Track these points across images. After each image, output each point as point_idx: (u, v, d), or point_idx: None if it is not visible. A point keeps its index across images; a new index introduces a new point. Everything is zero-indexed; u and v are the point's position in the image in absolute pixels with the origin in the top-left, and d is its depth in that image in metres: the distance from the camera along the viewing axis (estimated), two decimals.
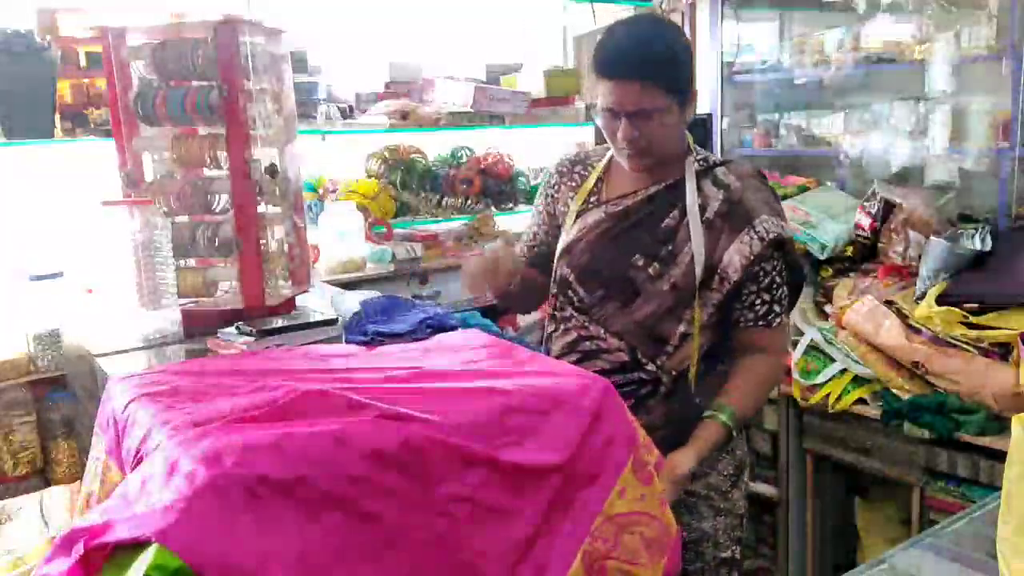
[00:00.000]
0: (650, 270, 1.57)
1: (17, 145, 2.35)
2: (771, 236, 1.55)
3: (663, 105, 1.50)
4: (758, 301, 1.58)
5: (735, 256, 1.54)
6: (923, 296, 2.34)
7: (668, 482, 1.35)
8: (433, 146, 3.44)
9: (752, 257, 1.54)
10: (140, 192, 1.88)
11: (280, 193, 1.91)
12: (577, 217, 1.67)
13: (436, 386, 1.20)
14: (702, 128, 3.39)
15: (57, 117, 2.42)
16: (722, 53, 3.45)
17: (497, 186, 3.42)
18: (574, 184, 1.72)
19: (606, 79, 1.51)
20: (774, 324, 1.59)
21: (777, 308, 1.59)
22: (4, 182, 2.54)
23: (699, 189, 1.59)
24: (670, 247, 1.57)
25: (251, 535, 0.92)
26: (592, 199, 1.68)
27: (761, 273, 1.56)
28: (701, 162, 1.63)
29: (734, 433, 1.53)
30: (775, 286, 1.58)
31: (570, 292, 1.65)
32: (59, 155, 2.53)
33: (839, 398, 2.43)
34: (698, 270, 1.54)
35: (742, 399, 1.55)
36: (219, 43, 1.75)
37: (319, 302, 2.01)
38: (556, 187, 1.75)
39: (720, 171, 1.62)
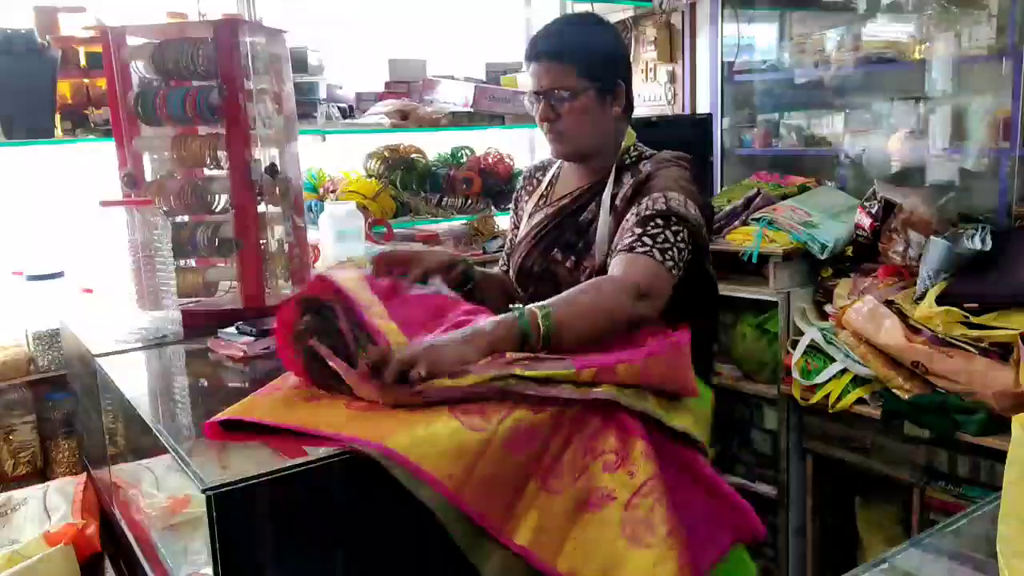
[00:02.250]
0: (567, 264, 1.60)
1: (17, 145, 2.35)
2: (658, 207, 1.45)
3: (574, 86, 1.55)
4: (630, 235, 1.45)
5: (627, 221, 1.50)
6: (923, 296, 2.34)
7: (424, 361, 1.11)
8: (433, 146, 3.43)
9: (637, 216, 1.47)
10: (140, 192, 1.88)
11: (280, 193, 1.91)
12: (529, 219, 1.74)
13: None
14: (702, 128, 3.39)
15: (57, 117, 2.42)
16: (722, 53, 3.45)
17: (497, 186, 3.41)
18: (531, 188, 1.81)
19: (528, 63, 1.60)
20: (636, 250, 1.42)
21: (648, 241, 1.42)
22: (4, 182, 2.54)
23: (620, 182, 1.59)
24: (586, 239, 1.59)
25: None
26: (541, 201, 1.75)
27: (649, 225, 1.45)
28: (633, 157, 1.64)
29: (529, 332, 1.23)
30: (655, 231, 1.44)
31: (516, 291, 1.71)
32: (59, 155, 2.53)
33: (839, 398, 2.43)
34: (598, 257, 1.55)
35: (557, 304, 1.28)
36: (219, 43, 1.75)
37: None
38: (520, 193, 1.84)
39: (645, 163, 1.60)
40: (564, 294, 1.34)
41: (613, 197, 1.58)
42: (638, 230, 1.45)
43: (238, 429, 1.12)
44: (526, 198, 1.81)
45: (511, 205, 1.88)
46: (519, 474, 1.07)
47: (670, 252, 1.42)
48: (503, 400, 1.11)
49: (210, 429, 1.12)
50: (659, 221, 1.44)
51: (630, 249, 1.42)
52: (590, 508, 1.09)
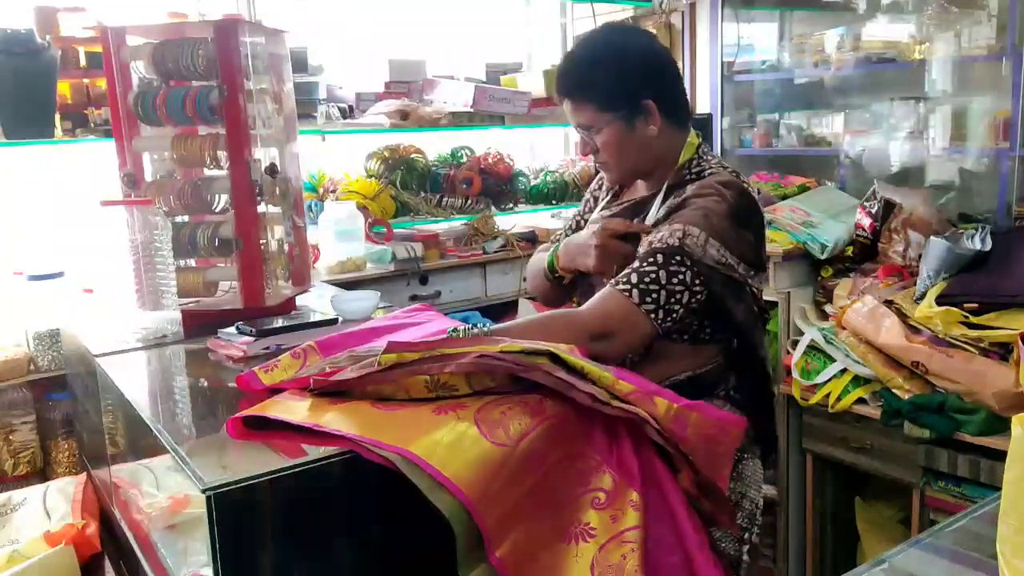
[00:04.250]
0: (604, 278, 1.54)
1: (17, 145, 2.35)
2: (670, 241, 1.41)
3: (598, 122, 1.51)
4: (628, 267, 1.43)
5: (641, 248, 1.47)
6: (923, 296, 2.34)
7: None
8: (433, 146, 3.43)
9: (649, 244, 1.44)
10: (140, 192, 1.88)
11: (280, 193, 1.91)
12: (599, 212, 1.71)
13: None
14: (702, 128, 3.39)
15: (57, 117, 2.42)
16: (722, 53, 3.45)
17: (497, 186, 3.41)
18: (605, 186, 1.76)
19: (557, 97, 1.58)
20: (618, 285, 1.40)
21: (634, 279, 1.39)
22: (4, 182, 2.54)
23: (667, 200, 1.53)
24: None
25: None
26: (612, 196, 1.72)
27: (647, 261, 1.41)
28: (694, 173, 1.54)
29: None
30: (648, 268, 1.40)
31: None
32: (59, 155, 2.53)
33: (839, 398, 2.43)
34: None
35: (498, 330, 1.33)
36: (219, 43, 1.75)
37: (319, 302, 2.01)
38: (597, 187, 1.79)
39: (692, 185, 1.50)
40: (521, 320, 1.40)
41: (655, 220, 1.52)
42: (636, 263, 1.41)
43: (261, 427, 1.12)
44: (604, 197, 1.74)
45: (587, 192, 1.81)
46: (524, 493, 1.07)
47: (655, 295, 1.37)
48: (528, 408, 1.11)
49: (233, 427, 1.12)
50: (659, 258, 1.39)
51: (615, 283, 1.40)
52: (566, 539, 1.08)
